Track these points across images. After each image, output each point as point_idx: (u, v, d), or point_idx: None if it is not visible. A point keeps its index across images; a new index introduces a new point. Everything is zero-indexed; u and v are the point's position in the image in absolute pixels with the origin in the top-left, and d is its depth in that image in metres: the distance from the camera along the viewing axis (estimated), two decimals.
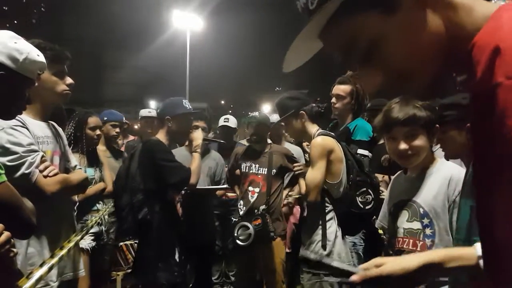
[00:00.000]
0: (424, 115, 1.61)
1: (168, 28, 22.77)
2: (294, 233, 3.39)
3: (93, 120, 2.99)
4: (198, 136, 2.77)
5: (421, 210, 1.66)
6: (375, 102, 3.13)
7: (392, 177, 1.97)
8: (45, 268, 1.57)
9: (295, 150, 3.57)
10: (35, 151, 1.75)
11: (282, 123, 2.66)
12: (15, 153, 1.66)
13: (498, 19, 0.52)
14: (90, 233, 2.81)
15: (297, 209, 3.42)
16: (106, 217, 3.00)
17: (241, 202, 3.13)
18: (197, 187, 2.68)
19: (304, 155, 3.45)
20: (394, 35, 0.58)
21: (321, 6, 0.60)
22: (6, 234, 1.17)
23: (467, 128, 1.55)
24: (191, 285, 3.33)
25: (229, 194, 3.72)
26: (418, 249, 1.65)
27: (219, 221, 3.72)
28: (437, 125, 1.63)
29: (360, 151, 2.80)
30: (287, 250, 3.31)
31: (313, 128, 2.43)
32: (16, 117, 1.64)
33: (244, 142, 3.88)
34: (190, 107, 2.65)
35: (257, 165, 3.14)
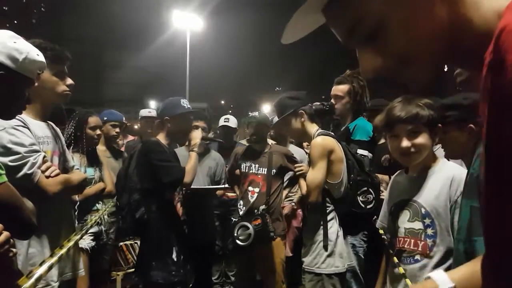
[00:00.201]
0: (427, 114, 1.62)
1: (168, 28, 22.82)
2: (297, 237, 3.36)
3: (93, 120, 2.99)
4: (196, 136, 2.78)
5: (423, 210, 1.66)
6: (375, 102, 3.14)
7: (392, 177, 1.97)
8: (44, 267, 1.56)
9: (299, 152, 3.54)
10: (37, 151, 1.74)
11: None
12: (17, 153, 1.66)
13: None
14: (90, 233, 2.81)
15: (299, 213, 3.42)
16: (106, 217, 3.00)
17: (241, 202, 3.12)
18: (197, 187, 2.67)
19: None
20: (400, 17, 0.56)
21: None
22: (6, 234, 1.16)
23: (468, 128, 1.55)
24: (191, 285, 3.33)
25: (229, 194, 3.71)
26: (419, 249, 1.65)
27: (219, 221, 3.72)
28: (439, 125, 1.63)
29: (359, 151, 2.80)
30: (289, 254, 3.30)
31: (312, 128, 2.42)
32: (17, 117, 1.64)
33: (244, 142, 3.87)
34: (189, 106, 2.64)
35: (257, 165, 3.13)
